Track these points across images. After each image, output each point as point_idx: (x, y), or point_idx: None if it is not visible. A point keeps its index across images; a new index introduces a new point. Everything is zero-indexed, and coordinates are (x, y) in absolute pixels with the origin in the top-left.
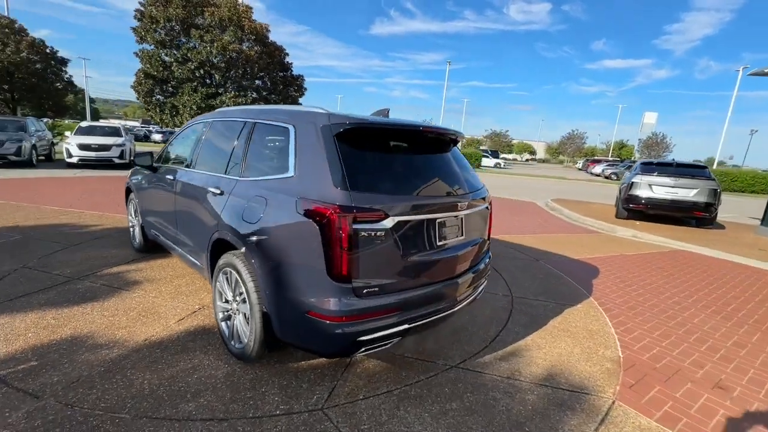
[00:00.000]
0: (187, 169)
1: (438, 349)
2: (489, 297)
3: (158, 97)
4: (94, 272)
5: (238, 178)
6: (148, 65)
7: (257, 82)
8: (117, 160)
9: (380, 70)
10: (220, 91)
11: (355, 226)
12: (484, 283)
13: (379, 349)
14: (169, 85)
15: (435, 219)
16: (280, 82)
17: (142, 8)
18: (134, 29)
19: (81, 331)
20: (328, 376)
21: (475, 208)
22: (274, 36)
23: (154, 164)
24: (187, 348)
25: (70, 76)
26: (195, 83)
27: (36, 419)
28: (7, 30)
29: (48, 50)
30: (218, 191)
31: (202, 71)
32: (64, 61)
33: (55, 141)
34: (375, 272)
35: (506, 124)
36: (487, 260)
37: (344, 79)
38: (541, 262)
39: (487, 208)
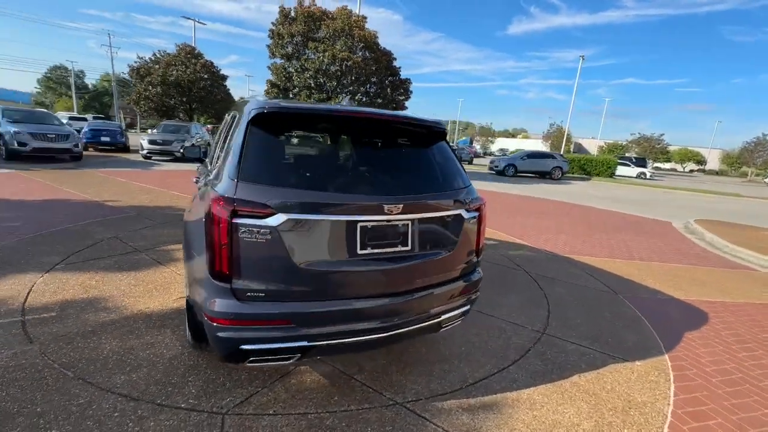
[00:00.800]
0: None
1: (400, 379)
2: (509, 327)
3: None
4: (155, 247)
5: (208, 168)
6: (275, 76)
7: (369, 87)
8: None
9: (514, 72)
10: (331, 97)
11: (235, 221)
12: (458, 311)
13: (274, 363)
14: (291, 93)
15: (355, 222)
16: (388, 86)
17: (273, 27)
18: (268, 46)
19: (103, 294)
20: (258, 380)
21: (431, 213)
22: (395, 42)
23: (202, 157)
24: (163, 325)
25: (228, 89)
26: (310, 90)
27: (17, 359)
28: (189, 55)
29: (214, 69)
30: (201, 183)
31: (317, 79)
32: (224, 77)
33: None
34: (259, 275)
35: (669, 126)
36: (463, 282)
37: (474, 83)
38: (620, 296)
39: (462, 215)
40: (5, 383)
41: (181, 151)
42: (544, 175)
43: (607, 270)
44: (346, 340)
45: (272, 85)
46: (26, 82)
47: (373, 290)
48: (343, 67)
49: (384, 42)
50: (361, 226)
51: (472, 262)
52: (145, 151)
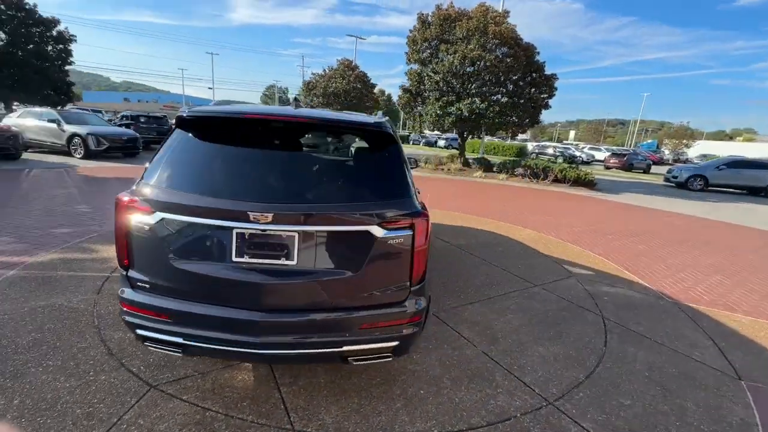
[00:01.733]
0: None
1: (322, 408)
2: (507, 384)
3: (417, 108)
4: None
5: None
6: (409, 82)
7: (505, 86)
8: None
9: (742, 55)
10: (461, 98)
11: (128, 216)
12: (377, 345)
13: (165, 351)
14: (421, 97)
15: (229, 228)
16: (528, 84)
17: (410, 35)
18: (405, 53)
19: None
20: (203, 365)
21: (325, 226)
22: (573, 33)
23: None
24: None
25: (376, 95)
26: (440, 93)
27: None
28: (347, 68)
29: (366, 79)
30: None
31: (447, 81)
32: (373, 86)
33: None
34: (145, 269)
35: None
36: (385, 311)
37: (674, 73)
38: (742, 383)
39: (371, 232)
40: None
41: None
42: (756, 192)
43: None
44: (219, 347)
45: (405, 90)
46: (254, 99)
47: (250, 302)
48: (477, 66)
49: (556, 35)
50: (237, 233)
51: (404, 289)
52: None
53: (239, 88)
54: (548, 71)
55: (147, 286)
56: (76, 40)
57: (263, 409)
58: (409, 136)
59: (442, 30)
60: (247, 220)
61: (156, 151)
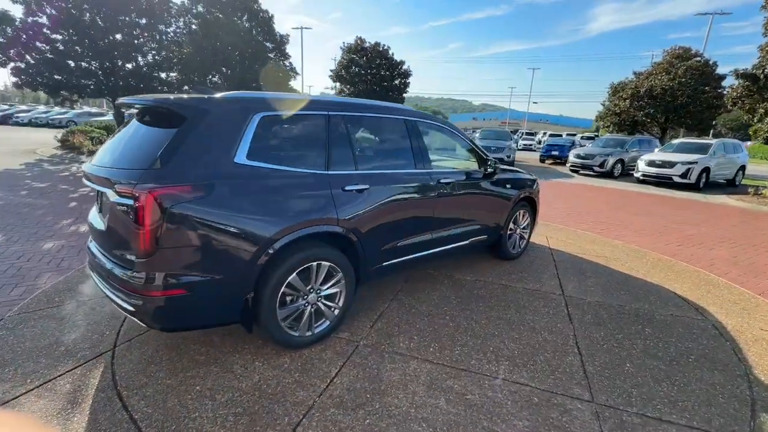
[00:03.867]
0: None
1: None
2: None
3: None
4: None
5: None
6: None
7: None
8: (678, 179)
9: None
10: None
11: None
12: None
13: None
14: None
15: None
16: None
17: None
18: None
19: None
20: None
21: (106, 187)
22: None
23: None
24: None
25: (721, 91)
26: None
27: None
28: (676, 59)
29: (706, 69)
30: None
31: None
32: (720, 77)
33: None
34: None
35: None
36: (120, 270)
37: None
38: None
39: (109, 196)
40: None
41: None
42: None
43: None
44: None
45: (743, 75)
46: (589, 112)
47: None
48: None
49: None
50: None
51: (130, 262)
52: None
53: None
54: None
55: None
56: (411, 74)
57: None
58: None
59: None
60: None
61: None
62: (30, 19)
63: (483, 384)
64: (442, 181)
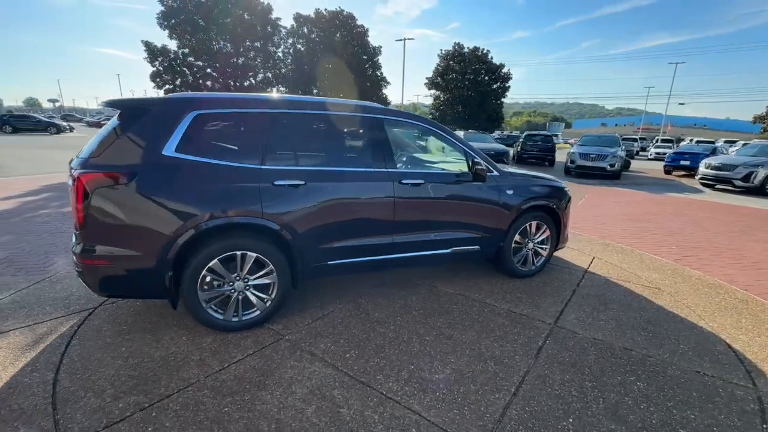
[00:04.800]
0: None
1: None
2: None
3: None
4: None
5: None
6: None
7: None
8: None
9: None
10: None
11: None
12: None
13: None
14: None
15: None
16: None
17: None
18: None
19: None
20: None
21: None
22: None
23: None
24: None
25: None
26: None
27: None
28: None
29: None
30: None
31: None
32: None
33: None
34: None
35: None
36: None
37: None
38: None
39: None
40: None
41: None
42: None
43: None
44: None
45: None
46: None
47: None
48: None
49: None
50: None
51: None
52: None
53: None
54: None
55: None
56: (511, 77)
57: None
58: None
59: None
60: None
61: None
62: (180, 51)
63: (368, 402)
64: (404, 182)
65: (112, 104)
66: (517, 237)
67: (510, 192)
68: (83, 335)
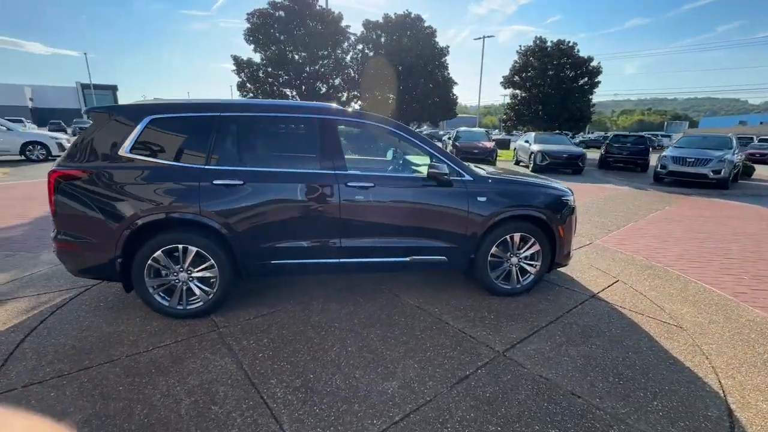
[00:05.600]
0: None
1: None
2: None
3: None
4: None
5: None
6: None
7: None
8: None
9: None
10: None
11: None
12: None
13: None
14: None
15: None
16: None
17: None
18: None
19: None
20: None
21: None
22: None
23: None
24: None
25: None
26: None
27: None
28: None
29: None
30: None
31: None
32: None
33: None
34: None
35: None
36: None
37: None
38: None
39: None
40: None
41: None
42: None
43: None
44: None
45: None
46: None
47: None
48: None
49: None
50: None
51: None
52: None
53: None
54: None
55: None
56: (601, 72)
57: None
58: None
59: None
60: None
61: None
62: (261, 62)
63: (242, 404)
64: (351, 184)
65: (87, 112)
66: (494, 249)
67: (482, 199)
68: (68, 307)
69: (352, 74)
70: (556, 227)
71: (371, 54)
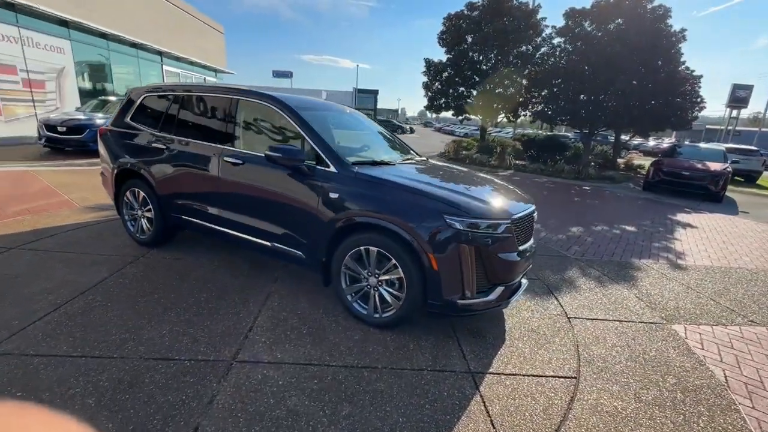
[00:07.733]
0: None
1: None
2: None
3: None
4: None
5: None
6: None
7: None
8: None
9: None
10: None
11: None
12: None
13: None
14: None
15: None
16: None
17: None
18: None
19: None
20: None
21: None
22: None
23: None
24: None
25: None
26: None
27: None
28: None
29: None
30: None
31: None
32: None
33: None
34: None
35: None
36: None
37: None
38: None
39: None
40: None
41: None
42: None
43: None
44: None
45: None
46: None
47: None
48: None
49: None
50: None
51: None
52: None
53: None
54: None
55: None
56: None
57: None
58: None
59: None
60: None
61: None
62: (448, 62)
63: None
64: (226, 159)
65: (127, 92)
66: (348, 261)
67: (334, 196)
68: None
69: (536, 72)
70: (425, 254)
71: (571, 48)
